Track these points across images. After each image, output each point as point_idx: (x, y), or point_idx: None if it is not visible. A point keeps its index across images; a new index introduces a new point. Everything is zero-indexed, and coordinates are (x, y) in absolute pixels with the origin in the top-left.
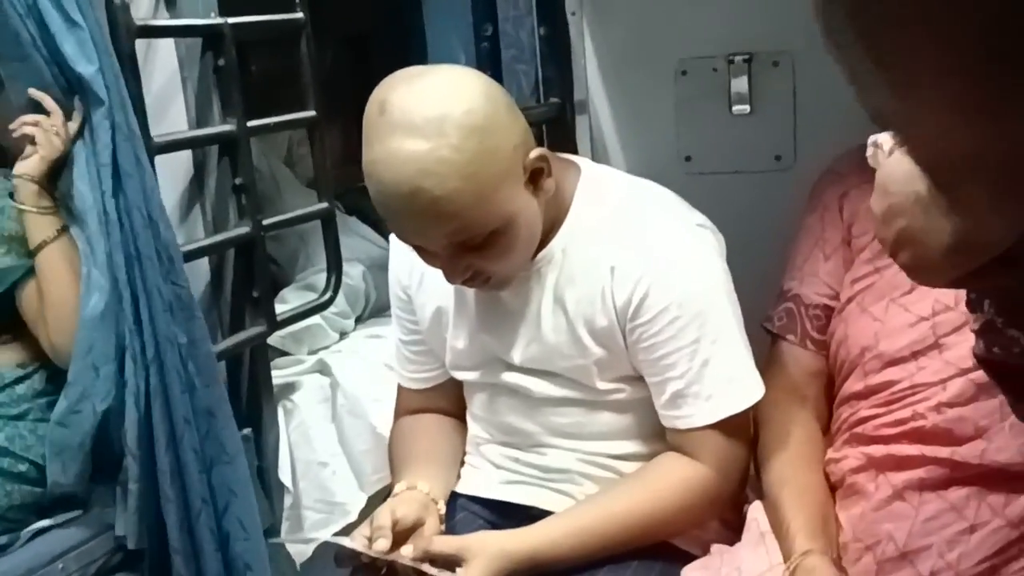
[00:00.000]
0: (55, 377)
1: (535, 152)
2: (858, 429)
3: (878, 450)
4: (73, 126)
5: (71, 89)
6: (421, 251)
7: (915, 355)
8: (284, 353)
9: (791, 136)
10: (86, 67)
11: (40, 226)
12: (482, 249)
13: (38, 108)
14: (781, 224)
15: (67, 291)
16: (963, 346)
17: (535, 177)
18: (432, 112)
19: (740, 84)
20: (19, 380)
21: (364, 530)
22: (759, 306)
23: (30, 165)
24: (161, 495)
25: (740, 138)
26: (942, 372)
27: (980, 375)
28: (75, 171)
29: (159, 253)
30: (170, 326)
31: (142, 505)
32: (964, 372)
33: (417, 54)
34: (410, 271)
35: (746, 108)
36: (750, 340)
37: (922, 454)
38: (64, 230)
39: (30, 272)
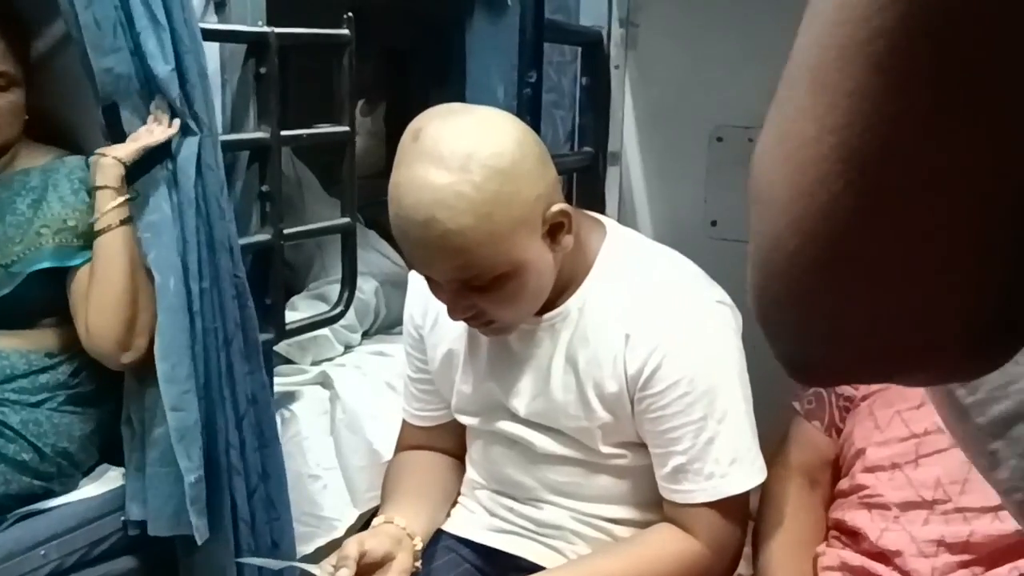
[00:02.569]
0: (80, 371)
1: (557, 206)
2: (834, 530)
3: (849, 556)
4: (175, 126)
5: (150, 86)
6: (430, 281)
7: (893, 467)
8: (287, 360)
9: None
10: (162, 67)
11: (110, 210)
12: (487, 291)
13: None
14: None
15: (118, 276)
16: (931, 469)
17: (554, 231)
18: (461, 147)
19: None
20: (45, 369)
21: (332, 559)
22: (776, 379)
23: (124, 150)
24: (232, 470)
25: None
26: (902, 490)
27: (933, 498)
28: (155, 166)
29: (230, 243)
30: (236, 311)
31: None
32: (920, 497)
33: (456, 77)
34: (425, 311)
35: None
36: (768, 413)
37: (865, 569)
38: (128, 220)
39: (85, 262)
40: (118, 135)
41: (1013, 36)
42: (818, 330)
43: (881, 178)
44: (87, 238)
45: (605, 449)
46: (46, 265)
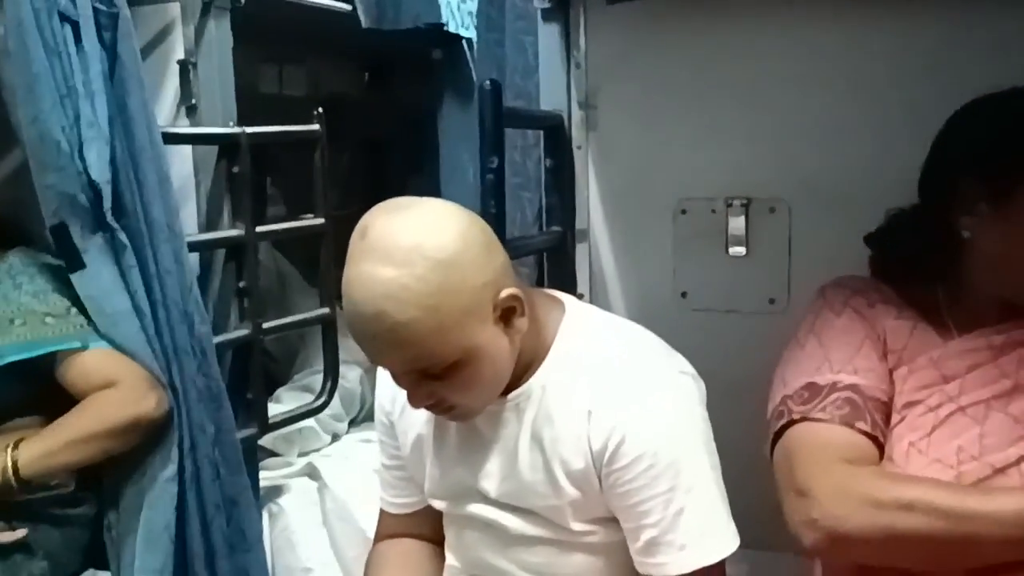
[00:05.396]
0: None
1: (507, 291)
2: None
3: None
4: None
5: (98, 199)
6: (391, 373)
7: None
8: (273, 454)
9: (785, 280)
10: (99, 177)
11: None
12: (444, 379)
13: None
14: (772, 364)
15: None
16: None
17: (507, 315)
18: (405, 242)
19: (737, 226)
20: None
21: None
22: (745, 445)
23: None
24: None
25: (736, 279)
26: None
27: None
28: (103, 276)
29: (193, 347)
30: (202, 416)
31: None
32: None
33: (431, 163)
34: (393, 399)
35: (742, 250)
36: (737, 479)
37: None
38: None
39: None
40: (69, 255)
41: None
42: None
43: None
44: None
45: (576, 526)
46: (11, 359)
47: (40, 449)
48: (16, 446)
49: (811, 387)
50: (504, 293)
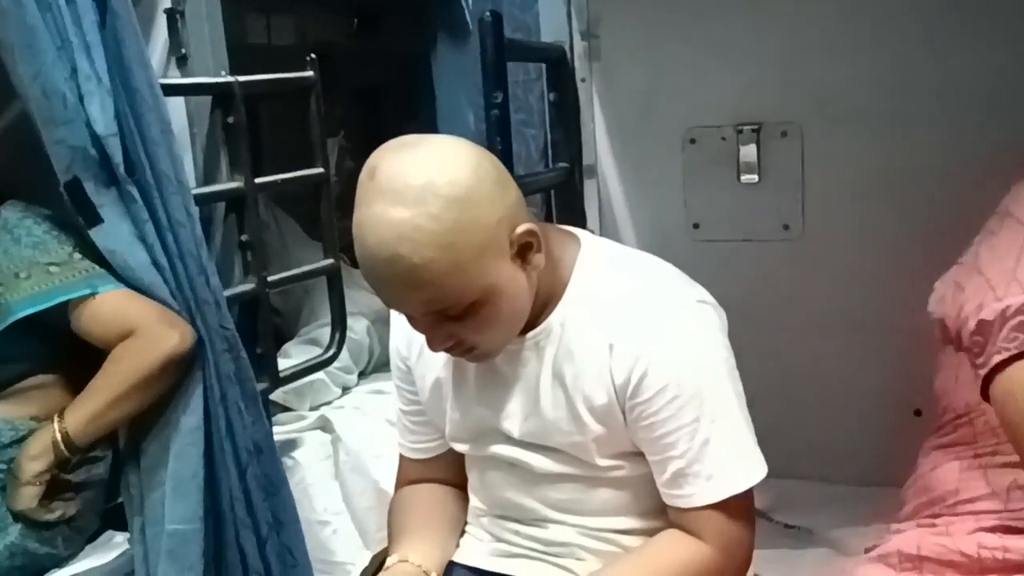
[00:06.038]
0: None
1: (523, 227)
2: None
3: None
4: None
5: (104, 155)
6: (407, 316)
7: None
8: (286, 408)
9: (799, 205)
10: (103, 130)
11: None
12: (463, 319)
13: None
14: (788, 292)
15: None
16: None
17: (523, 251)
18: (416, 181)
19: (749, 153)
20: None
21: None
22: (763, 374)
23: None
24: (238, 523)
25: (748, 207)
26: None
27: None
28: (122, 231)
29: (213, 298)
30: (228, 365)
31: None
32: None
33: (426, 109)
34: (409, 343)
35: (754, 177)
36: (758, 409)
37: None
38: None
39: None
40: (85, 211)
41: None
42: None
43: None
44: (55, 277)
45: (602, 462)
46: (22, 314)
47: (85, 415)
48: (61, 417)
49: (984, 310)
50: (520, 229)
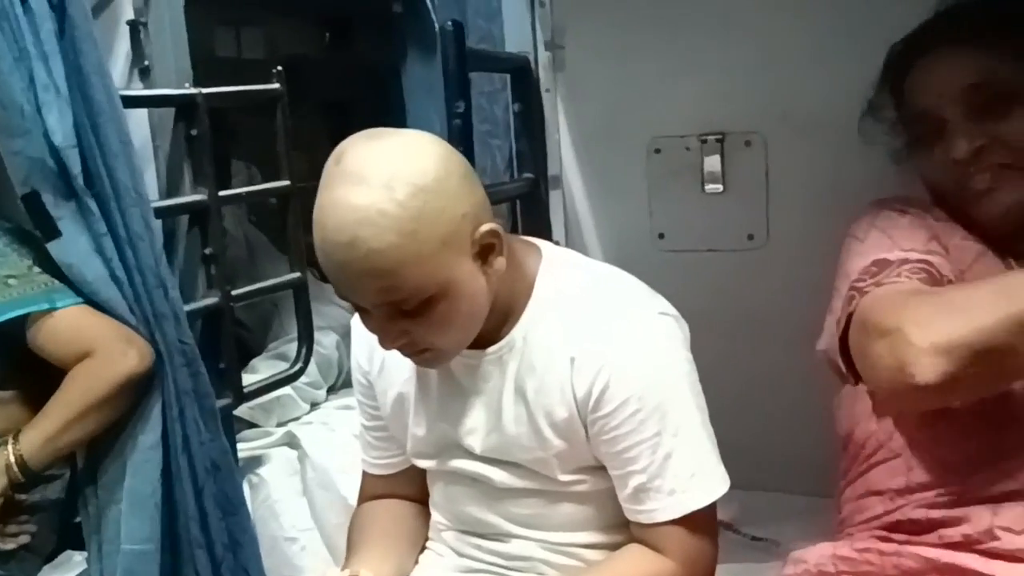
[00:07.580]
0: None
1: (487, 226)
2: None
3: None
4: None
5: (63, 167)
6: (361, 311)
7: None
8: (252, 424)
9: (763, 215)
10: (61, 141)
11: None
12: (418, 315)
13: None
14: (753, 302)
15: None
16: None
17: (485, 252)
18: (383, 166)
19: (713, 163)
20: None
21: None
22: (728, 385)
23: None
24: (193, 543)
25: (713, 217)
26: None
27: None
28: (80, 244)
29: (171, 312)
30: (186, 380)
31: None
32: None
33: (397, 122)
34: (370, 357)
35: (719, 187)
36: (720, 421)
37: None
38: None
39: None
40: (44, 224)
41: None
42: None
43: None
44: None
45: (564, 477)
46: None
47: (40, 437)
48: (16, 439)
49: (880, 263)
50: (484, 228)
